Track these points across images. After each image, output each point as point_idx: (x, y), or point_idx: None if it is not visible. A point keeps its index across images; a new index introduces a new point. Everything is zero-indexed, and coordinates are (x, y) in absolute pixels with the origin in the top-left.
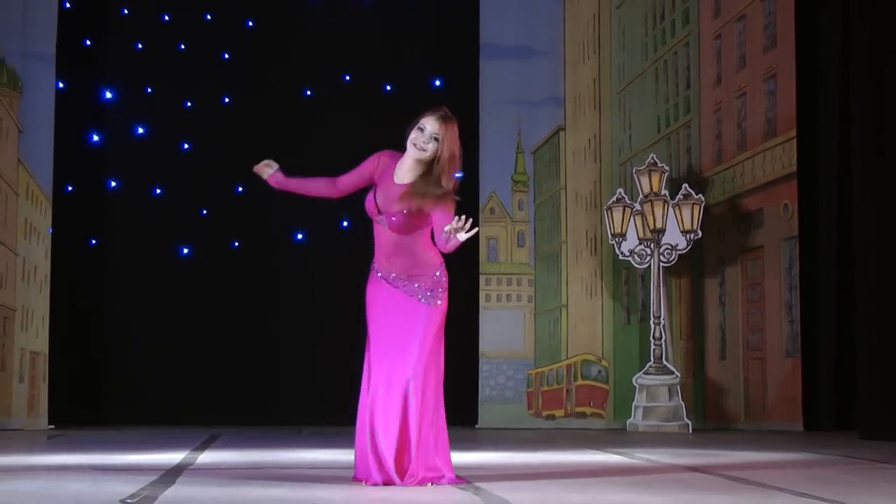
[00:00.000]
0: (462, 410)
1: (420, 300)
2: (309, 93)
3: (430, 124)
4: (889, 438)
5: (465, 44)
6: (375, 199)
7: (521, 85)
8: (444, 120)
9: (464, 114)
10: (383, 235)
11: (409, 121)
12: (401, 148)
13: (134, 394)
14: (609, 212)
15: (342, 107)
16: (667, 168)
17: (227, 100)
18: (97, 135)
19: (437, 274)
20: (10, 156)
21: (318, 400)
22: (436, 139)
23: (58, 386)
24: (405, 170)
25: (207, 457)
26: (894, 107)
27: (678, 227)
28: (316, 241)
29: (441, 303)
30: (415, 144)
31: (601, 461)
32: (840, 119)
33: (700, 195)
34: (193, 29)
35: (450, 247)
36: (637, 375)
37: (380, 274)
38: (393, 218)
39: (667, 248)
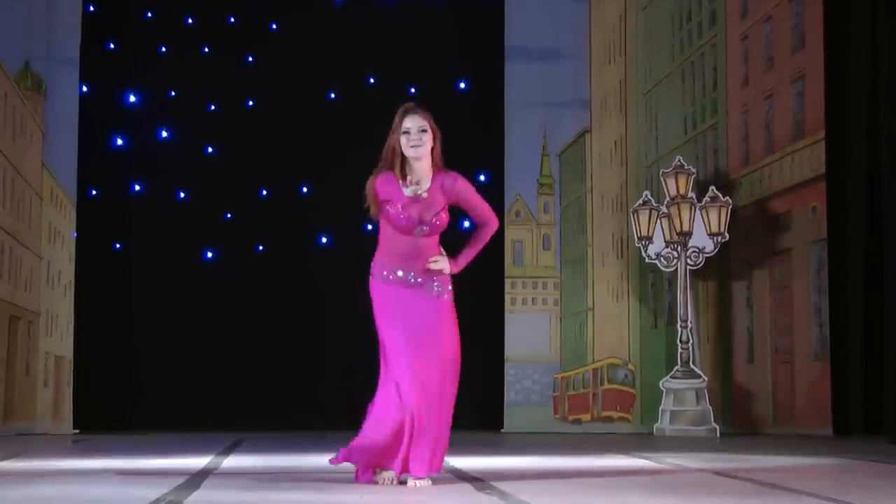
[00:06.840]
0: (488, 415)
1: (436, 294)
2: (333, 95)
3: (411, 121)
4: None
5: (491, 46)
6: (408, 214)
7: (547, 87)
8: (417, 111)
9: (489, 116)
10: (408, 241)
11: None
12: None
13: (158, 398)
14: (635, 214)
15: (366, 109)
16: (693, 170)
17: (251, 103)
18: (121, 138)
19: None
20: (35, 159)
21: (343, 404)
22: (423, 130)
23: (82, 390)
24: (419, 174)
25: (232, 461)
26: None
27: (705, 229)
28: (341, 245)
29: (450, 293)
30: (410, 146)
31: (628, 465)
32: (869, 120)
33: (727, 198)
34: (217, 32)
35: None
36: (664, 379)
37: (394, 276)
38: (436, 221)
39: (694, 251)
